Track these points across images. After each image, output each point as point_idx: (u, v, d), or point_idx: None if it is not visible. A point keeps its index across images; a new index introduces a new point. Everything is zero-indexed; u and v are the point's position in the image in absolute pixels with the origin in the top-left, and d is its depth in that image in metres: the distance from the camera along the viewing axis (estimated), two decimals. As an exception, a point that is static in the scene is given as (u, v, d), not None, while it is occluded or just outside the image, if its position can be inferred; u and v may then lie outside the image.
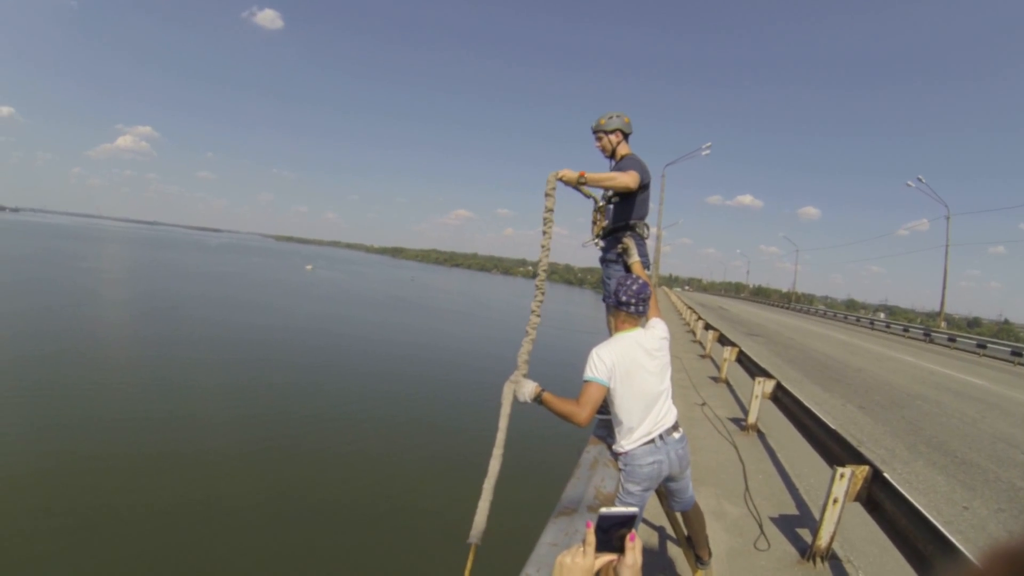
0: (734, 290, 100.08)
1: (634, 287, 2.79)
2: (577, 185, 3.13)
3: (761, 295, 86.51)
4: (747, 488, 5.17)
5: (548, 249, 2.97)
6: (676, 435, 2.84)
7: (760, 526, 4.47)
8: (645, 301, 2.80)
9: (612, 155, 3.75)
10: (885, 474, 3.81)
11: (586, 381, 2.73)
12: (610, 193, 3.67)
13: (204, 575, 6.94)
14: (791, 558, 4.04)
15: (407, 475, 10.50)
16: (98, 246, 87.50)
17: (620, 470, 2.85)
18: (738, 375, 10.73)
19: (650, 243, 3.78)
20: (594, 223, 3.83)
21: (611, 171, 3.49)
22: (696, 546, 3.28)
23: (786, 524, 4.59)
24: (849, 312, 44.04)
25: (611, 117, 3.67)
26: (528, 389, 2.76)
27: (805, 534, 4.42)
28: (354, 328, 27.97)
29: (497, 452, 2.70)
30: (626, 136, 3.72)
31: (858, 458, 4.24)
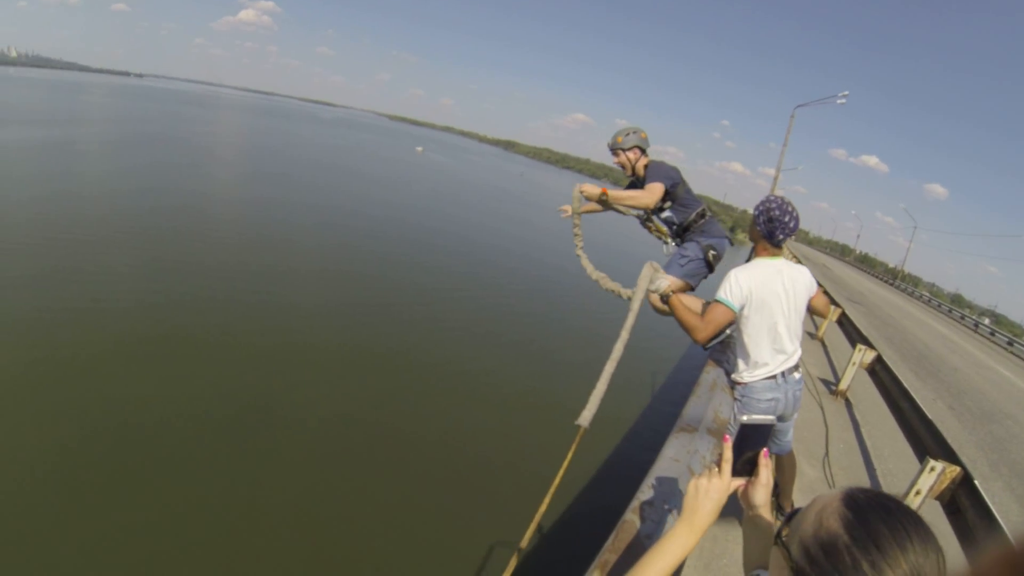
0: (839, 251, 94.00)
1: (791, 223, 2.56)
2: (599, 201, 3.21)
3: (866, 264, 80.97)
4: (827, 453, 5.06)
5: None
6: (797, 375, 2.72)
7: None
8: (793, 233, 2.62)
9: (633, 171, 3.69)
10: (976, 482, 3.60)
11: (716, 301, 2.60)
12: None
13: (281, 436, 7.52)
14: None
15: (508, 368, 10.65)
16: (217, 112, 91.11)
17: (736, 400, 2.75)
18: (834, 336, 10.25)
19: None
20: (650, 231, 3.84)
21: (633, 189, 3.47)
22: (781, 494, 3.22)
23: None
24: (954, 307, 40.55)
25: (628, 134, 3.62)
26: (664, 282, 2.67)
27: (875, 517, 4.29)
28: (456, 218, 28.14)
29: (624, 335, 2.57)
30: (643, 151, 3.66)
31: (951, 456, 4.02)
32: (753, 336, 2.64)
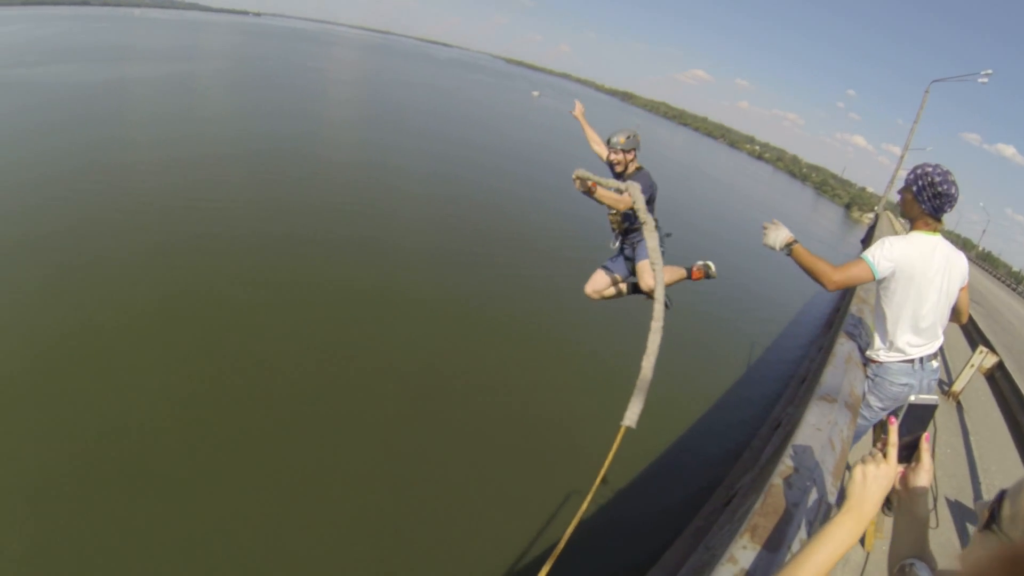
0: (960, 244, 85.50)
1: (956, 193, 2.25)
2: (586, 190, 3.43)
3: (988, 262, 73.43)
4: (933, 456, 4.59)
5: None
6: (935, 363, 2.47)
7: (934, 501, 3.96)
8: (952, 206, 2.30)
9: (625, 168, 4.03)
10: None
11: (861, 258, 2.40)
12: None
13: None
14: (954, 549, 3.53)
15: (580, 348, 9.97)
16: (333, 49, 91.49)
17: (867, 378, 2.56)
18: (949, 333, 9.23)
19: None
20: (613, 228, 4.18)
21: (619, 186, 3.49)
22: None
23: (959, 512, 3.98)
24: (1082, 326, 36.16)
25: (629, 137, 3.98)
26: (782, 235, 2.45)
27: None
28: (568, 166, 27.33)
29: (655, 325, 2.33)
30: (636, 153, 4.06)
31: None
32: (895, 313, 2.41)
